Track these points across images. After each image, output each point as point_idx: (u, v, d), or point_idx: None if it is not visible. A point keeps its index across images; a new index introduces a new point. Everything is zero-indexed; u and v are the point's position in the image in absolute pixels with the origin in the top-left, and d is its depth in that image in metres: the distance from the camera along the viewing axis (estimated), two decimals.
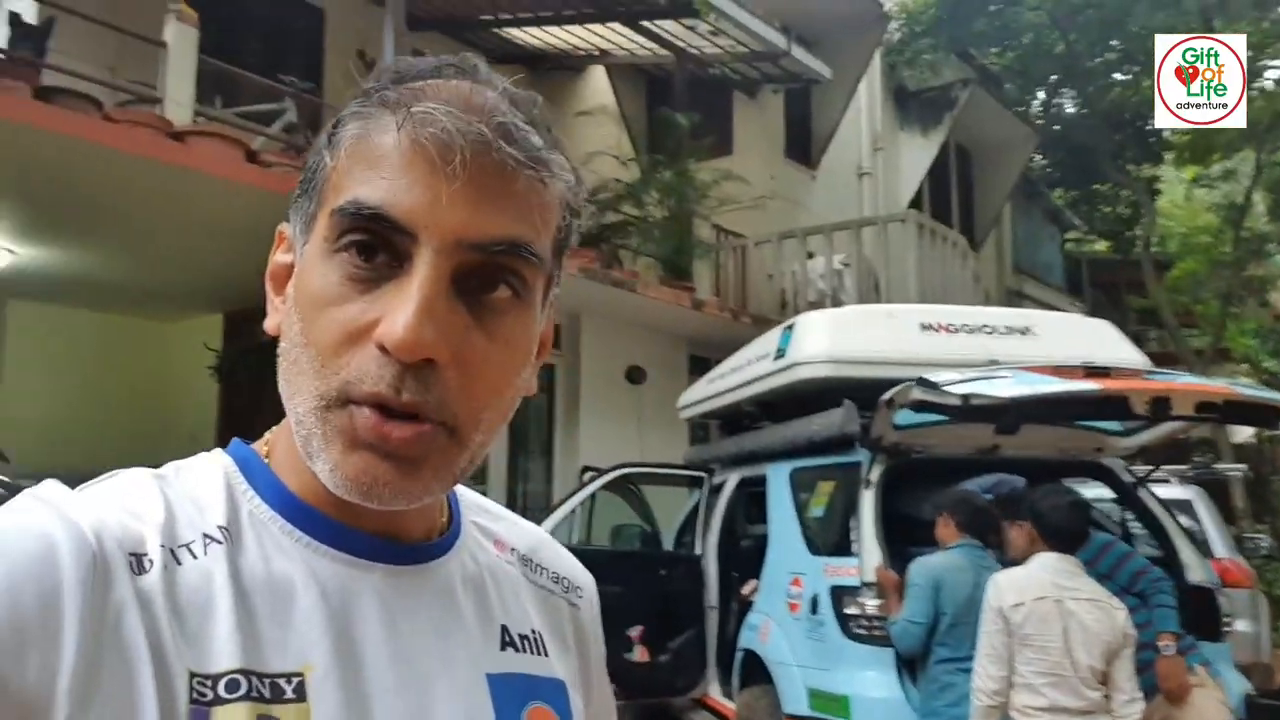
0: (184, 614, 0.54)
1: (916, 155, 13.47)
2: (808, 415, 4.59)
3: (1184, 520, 4.97)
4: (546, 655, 0.68)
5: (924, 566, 3.53)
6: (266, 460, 0.64)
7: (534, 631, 0.68)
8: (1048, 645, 2.97)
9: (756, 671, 4.43)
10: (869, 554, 3.86)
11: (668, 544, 5.99)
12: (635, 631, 5.06)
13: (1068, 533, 3.15)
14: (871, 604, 3.75)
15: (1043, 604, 3.00)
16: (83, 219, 6.22)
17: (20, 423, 7.24)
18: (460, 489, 0.71)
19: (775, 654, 4.24)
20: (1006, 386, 3.28)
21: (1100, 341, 4.41)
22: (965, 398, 3.31)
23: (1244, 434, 12.98)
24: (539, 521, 5.14)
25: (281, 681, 0.54)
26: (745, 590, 5.12)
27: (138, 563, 0.54)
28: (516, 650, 0.65)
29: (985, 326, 4.55)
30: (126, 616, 0.52)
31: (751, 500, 5.44)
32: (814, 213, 11.27)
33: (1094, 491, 4.47)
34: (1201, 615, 3.58)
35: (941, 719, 3.36)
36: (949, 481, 4.28)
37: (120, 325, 8.94)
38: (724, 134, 10.68)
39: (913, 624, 3.46)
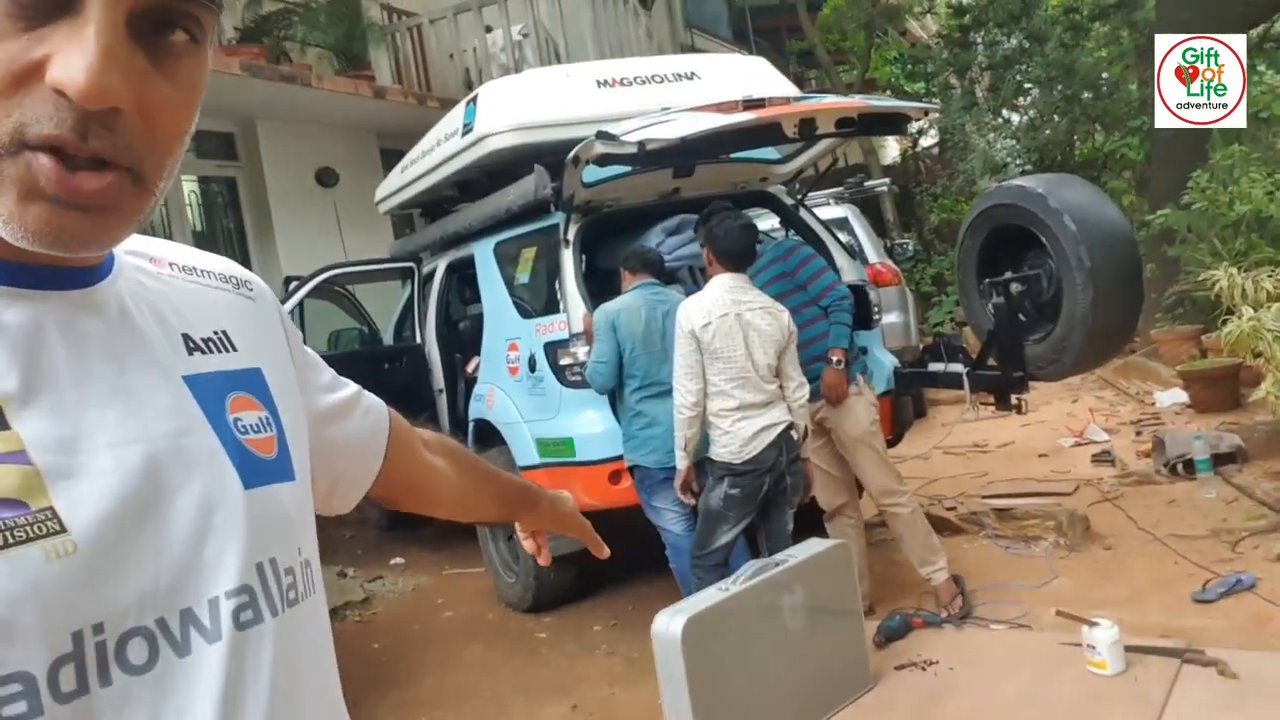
0: None
1: None
2: (503, 188, 4.62)
3: (842, 236, 5.65)
4: (235, 349, 0.69)
5: (601, 312, 3.77)
6: None
7: (216, 331, 0.69)
8: (733, 355, 3.37)
9: (490, 437, 4.64)
10: (574, 307, 4.07)
11: (388, 340, 5.99)
12: None
13: (737, 252, 3.51)
14: (582, 352, 3.98)
15: (726, 320, 3.38)
16: None
17: None
18: None
19: (503, 416, 4.46)
20: (676, 128, 3.43)
21: (759, 79, 4.70)
22: (641, 144, 3.41)
23: (892, 155, 14.62)
24: None
25: None
26: (469, 368, 5.28)
27: None
28: (203, 353, 0.67)
29: (655, 76, 4.68)
30: None
31: (463, 281, 5.48)
32: None
33: (766, 223, 4.95)
34: (856, 308, 4.16)
35: (636, 441, 3.72)
36: (642, 231, 4.57)
37: None
38: None
39: (599, 363, 3.72)
